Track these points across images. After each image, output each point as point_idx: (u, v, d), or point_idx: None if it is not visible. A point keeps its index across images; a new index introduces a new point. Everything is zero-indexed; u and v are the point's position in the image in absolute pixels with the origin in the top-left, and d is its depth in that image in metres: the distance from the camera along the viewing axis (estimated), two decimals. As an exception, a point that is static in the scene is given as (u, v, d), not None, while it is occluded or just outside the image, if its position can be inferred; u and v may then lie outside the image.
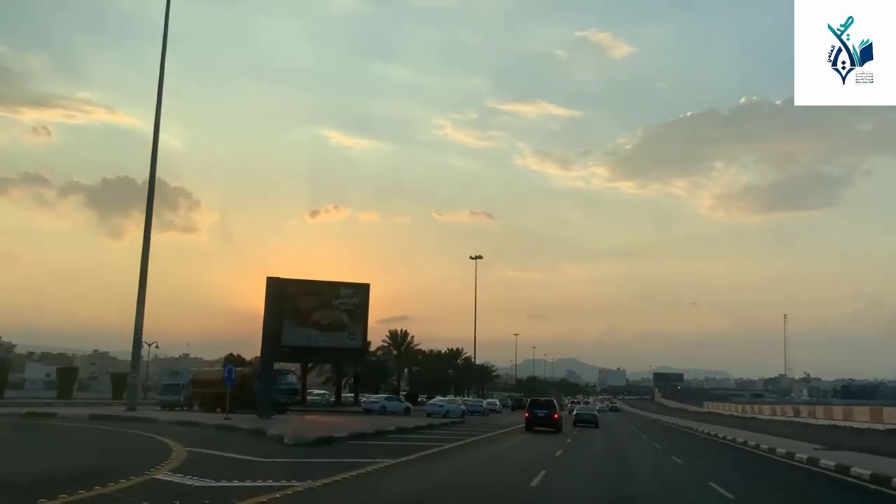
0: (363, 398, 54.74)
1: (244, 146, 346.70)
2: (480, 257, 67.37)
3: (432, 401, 49.56)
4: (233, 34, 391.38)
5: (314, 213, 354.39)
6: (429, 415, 42.15)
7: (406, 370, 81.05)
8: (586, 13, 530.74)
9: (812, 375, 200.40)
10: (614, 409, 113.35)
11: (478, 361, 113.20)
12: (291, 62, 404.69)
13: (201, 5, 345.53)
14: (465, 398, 72.71)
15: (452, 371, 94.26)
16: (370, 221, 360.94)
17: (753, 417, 56.07)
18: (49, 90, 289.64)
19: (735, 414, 65.73)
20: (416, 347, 78.39)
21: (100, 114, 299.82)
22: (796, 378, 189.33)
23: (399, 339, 76.16)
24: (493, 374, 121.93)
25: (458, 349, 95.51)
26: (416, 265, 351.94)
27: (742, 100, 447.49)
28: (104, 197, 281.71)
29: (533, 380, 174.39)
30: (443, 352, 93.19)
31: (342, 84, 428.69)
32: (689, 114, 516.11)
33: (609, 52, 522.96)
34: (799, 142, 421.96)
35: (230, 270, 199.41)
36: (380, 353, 71.67)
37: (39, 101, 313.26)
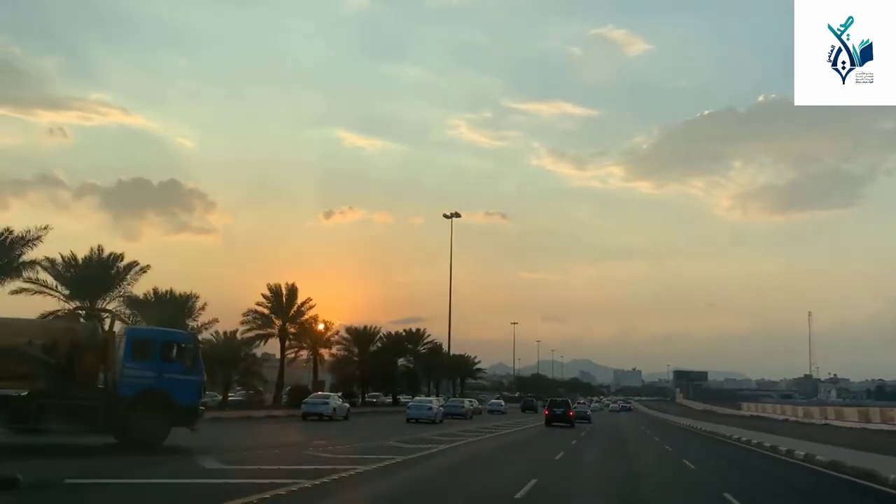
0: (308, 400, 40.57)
1: (258, 147, 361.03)
2: (458, 215, 61.00)
3: (416, 400, 43.06)
4: (245, 35, 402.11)
5: (329, 215, 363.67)
6: (409, 420, 36.47)
7: (308, 354, 57.33)
8: (602, 10, 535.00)
9: (838, 376, 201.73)
10: (626, 409, 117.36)
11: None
12: (304, 63, 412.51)
13: (213, 6, 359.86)
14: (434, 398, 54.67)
15: (407, 361, 75.67)
16: (384, 222, 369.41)
17: (825, 424, 44.36)
18: (64, 92, 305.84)
19: (796, 419, 53.76)
20: (307, 317, 52.82)
21: (115, 115, 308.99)
22: (822, 379, 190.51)
23: (285, 301, 50.53)
24: (476, 366, 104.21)
25: (417, 330, 76.56)
26: (430, 266, 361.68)
27: (760, 98, 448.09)
28: (119, 198, 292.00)
29: (538, 378, 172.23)
30: (391, 334, 72.94)
31: (355, 85, 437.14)
32: (706, 112, 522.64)
33: (625, 49, 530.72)
34: (819, 140, 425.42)
35: (242, 273, 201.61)
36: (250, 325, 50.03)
37: (55, 103, 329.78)
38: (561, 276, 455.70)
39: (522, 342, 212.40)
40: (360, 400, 64.54)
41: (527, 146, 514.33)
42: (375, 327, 67.78)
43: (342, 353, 64.26)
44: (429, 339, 77.33)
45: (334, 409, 36.91)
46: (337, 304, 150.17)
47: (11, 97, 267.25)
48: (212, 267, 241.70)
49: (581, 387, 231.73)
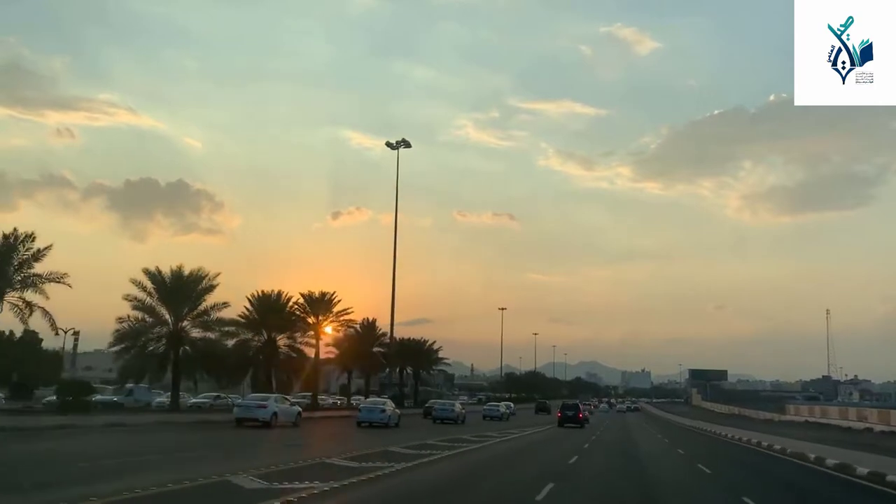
0: (236, 398, 40.80)
1: (266, 148, 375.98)
2: (409, 145, 53.25)
3: (369, 402, 41.35)
4: (252, 35, 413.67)
5: (336, 216, 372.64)
6: (360, 423, 35.45)
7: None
8: (611, 8, 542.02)
9: (858, 377, 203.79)
10: (634, 409, 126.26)
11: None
12: (311, 63, 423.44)
13: (221, 7, 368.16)
14: (387, 399, 44.12)
15: (294, 341, 53.26)
16: (392, 223, 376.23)
17: None
18: (72, 92, 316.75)
19: (886, 428, 40.82)
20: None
21: (122, 115, 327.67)
22: (841, 380, 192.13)
23: None
24: (437, 355, 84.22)
25: (323, 295, 55.69)
26: (438, 267, 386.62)
27: (771, 97, 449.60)
28: (127, 199, 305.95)
29: (535, 377, 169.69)
30: (262, 294, 51.30)
31: (362, 84, 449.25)
32: (716, 112, 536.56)
33: (634, 47, 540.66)
34: (829, 140, 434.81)
35: (250, 275, 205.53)
36: None
37: (63, 104, 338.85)
38: (568, 278, 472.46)
39: (528, 344, 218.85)
40: (173, 396, 44.51)
41: (535, 146, 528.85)
42: (205, 273, 43.75)
43: (138, 316, 41.97)
44: (339, 305, 56.68)
45: (275, 413, 31.71)
46: (343, 306, 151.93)
47: (19, 98, 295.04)
48: (219, 269, 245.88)
49: (586, 387, 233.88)
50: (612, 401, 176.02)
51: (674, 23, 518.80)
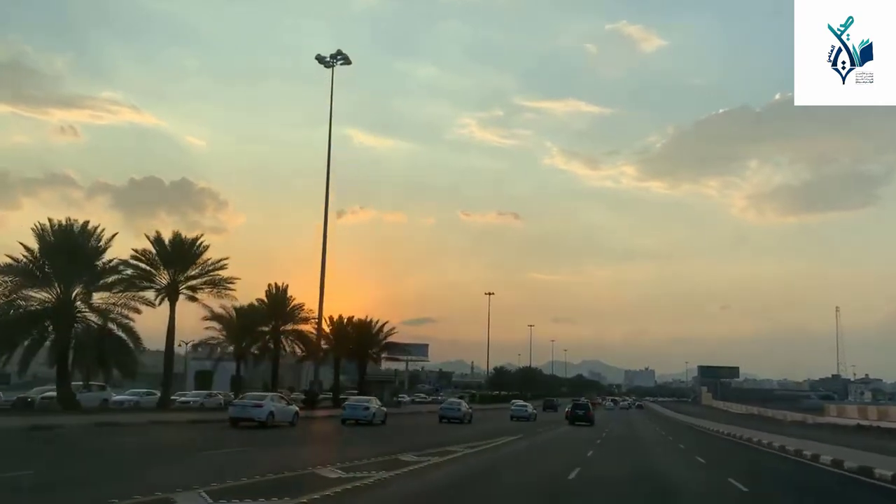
0: (236, 402, 32.85)
1: (269, 146, 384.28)
2: (347, 60, 45.72)
3: (353, 400, 41.66)
4: (255, 33, 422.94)
5: (340, 214, 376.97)
6: (344, 420, 37.13)
7: None
8: (616, 5, 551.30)
9: (869, 376, 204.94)
10: (637, 407, 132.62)
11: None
12: (313, 61, 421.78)
13: (223, 5, 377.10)
14: (372, 397, 43.03)
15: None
16: (396, 222, 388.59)
17: None
18: (75, 90, 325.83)
19: None
20: None
21: (126, 114, 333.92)
22: (851, 379, 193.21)
23: None
24: (387, 339, 65.78)
25: (181, 239, 41.23)
26: (442, 266, 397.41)
27: (777, 96, 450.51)
28: (131, 198, 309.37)
29: (530, 373, 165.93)
30: (57, 224, 35.00)
31: (365, 83, 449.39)
32: (721, 111, 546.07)
33: (640, 45, 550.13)
34: (835, 140, 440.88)
35: (254, 273, 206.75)
36: None
37: (66, 102, 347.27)
38: (572, 277, 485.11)
39: (537, 342, 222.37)
40: None
41: (539, 145, 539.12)
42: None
43: None
44: (203, 254, 41.53)
45: (271, 412, 31.18)
46: (346, 304, 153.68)
47: (22, 96, 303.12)
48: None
49: (588, 385, 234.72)
50: (616, 398, 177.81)
51: (679, 21, 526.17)
